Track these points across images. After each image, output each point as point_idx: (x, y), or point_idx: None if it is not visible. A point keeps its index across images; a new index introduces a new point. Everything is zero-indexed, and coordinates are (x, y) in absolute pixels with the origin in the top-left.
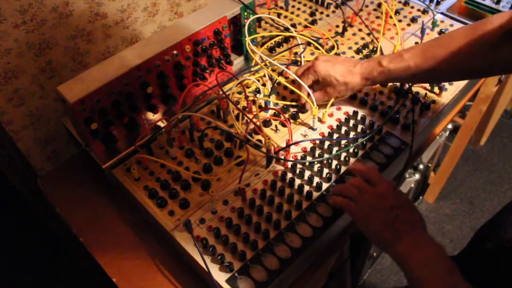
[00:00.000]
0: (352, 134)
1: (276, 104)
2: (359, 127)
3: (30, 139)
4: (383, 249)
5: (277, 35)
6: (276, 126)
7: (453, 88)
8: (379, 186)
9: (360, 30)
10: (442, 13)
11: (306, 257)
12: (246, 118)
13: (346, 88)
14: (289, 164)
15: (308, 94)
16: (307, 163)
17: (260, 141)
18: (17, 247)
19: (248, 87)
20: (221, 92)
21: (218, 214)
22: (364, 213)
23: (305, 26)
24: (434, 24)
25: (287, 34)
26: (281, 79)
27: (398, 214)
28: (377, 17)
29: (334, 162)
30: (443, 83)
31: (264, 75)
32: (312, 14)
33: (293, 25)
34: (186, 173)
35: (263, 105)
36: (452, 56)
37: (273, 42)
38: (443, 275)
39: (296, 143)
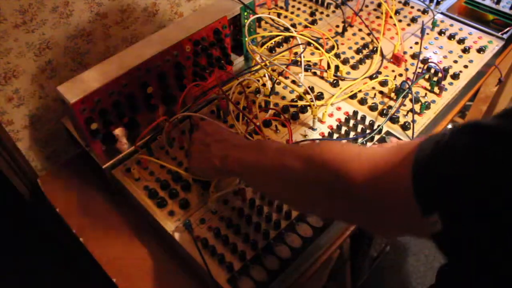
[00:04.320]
0: (352, 134)
1: (276, 104)
2: (359, 127)
3: (30, 139)
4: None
5: (277, 35)
6: (276, 126)
7: (453, 88)
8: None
9: (360, 30)
10: (442, 13)
11: (306, 257)
12: (246, 118)
13: None
14: None
15: (307, 93)
16: None
17: None
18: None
19: (248, 87)
20: (221, 92)
21: (218, 214)
22: (194, 160)
23: (305, 26)
24: (434, 24)
25: (287, 34)
26: (281, 79)
27: (210, 142)
28: (377, 17)
29: None
30: (443, 83)
31: (264, 75)
32: (312, 14)
33: (293, 25)
34: (186, 174)
35: (263, 105)
36: None
37: (273, 42)
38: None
39: (296, 143)
